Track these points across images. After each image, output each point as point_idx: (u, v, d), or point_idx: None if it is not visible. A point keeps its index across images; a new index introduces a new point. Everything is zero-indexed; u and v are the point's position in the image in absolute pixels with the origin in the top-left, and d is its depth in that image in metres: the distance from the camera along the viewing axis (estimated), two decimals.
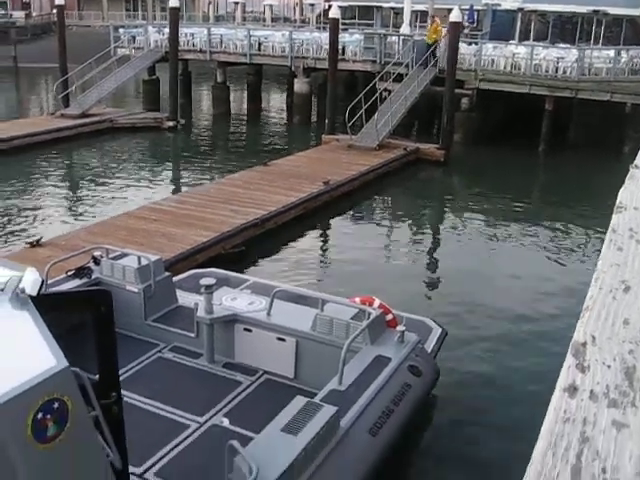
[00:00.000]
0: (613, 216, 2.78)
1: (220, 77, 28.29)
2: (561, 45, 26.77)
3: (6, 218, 14.72)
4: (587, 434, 1.43)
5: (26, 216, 14.96)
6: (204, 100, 32.88)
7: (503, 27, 31.25)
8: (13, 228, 14.09)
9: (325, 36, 24.92)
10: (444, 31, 22.92)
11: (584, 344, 1.69)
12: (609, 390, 1.54)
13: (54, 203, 16.16)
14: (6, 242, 13.17)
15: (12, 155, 19.88)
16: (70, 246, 11.10)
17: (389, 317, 7.36)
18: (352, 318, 6.94)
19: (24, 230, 13.92)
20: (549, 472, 1.36)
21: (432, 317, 8.47)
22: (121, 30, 30.00)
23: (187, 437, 6.08)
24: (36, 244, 11.51)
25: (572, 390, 1.53)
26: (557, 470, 1.37)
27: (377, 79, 23.06)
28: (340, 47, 23.79)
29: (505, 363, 9.14)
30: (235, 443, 4.63)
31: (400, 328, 7.05)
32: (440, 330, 8.06)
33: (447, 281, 12.17)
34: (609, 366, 1.61)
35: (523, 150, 22.22)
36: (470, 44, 24.70)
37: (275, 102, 33.54)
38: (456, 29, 20.37)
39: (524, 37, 31.41)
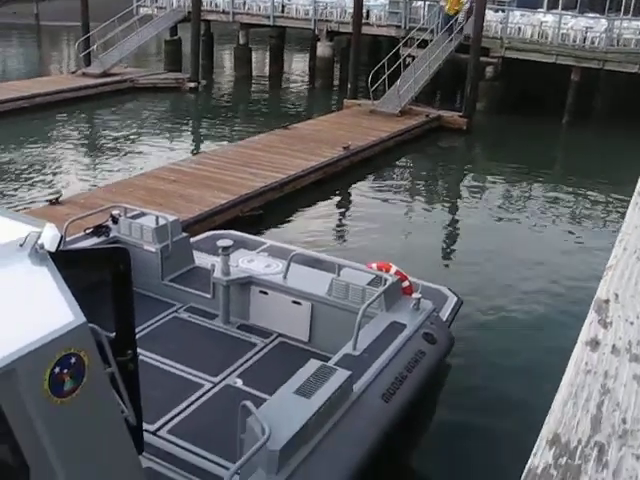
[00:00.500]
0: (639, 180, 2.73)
1: (242, 39, 28.04)
2: (590, 15, 26.22)
3: (26, 175, 14.78)
4: (608, 386, 1.41)
5: (46, 174, 15.03)
6: (226, 62, 32.67)
7: None
8: (33, 185, 14.17)
9: None
10: None
11: (607, 301, 1.65)
12: (631, 345, 1.51)
13: (74, 161, 16.20)
14: (26, 199, 13.25)
15: (33, 113, 19.93)
16: (89, 204, 11.16)
17: (405, 284, 7.32)
18: (368, 284, 6.92)
19: (44, 187, 13.99)
20: (569, 421, 1.35)
21: (448, 285, 8.43)
22: None
23: (201, 396, 6.12)
24: (55, 202, 11.57)
25: (594, 344, 1.50)
26: (577, 419, 1.36)
27: (401, 44, 22.78)
28: (364, 11, 23.46)
29: (521, 332, 9.11)
30: (248, 403, 4.64)
31: (416, 295, 7.01)
32: (456, 299, 8.02)
33: (465, 249, 12.11)
34: (632, 323, 1.58)
35: (547, 121, 21.90)
36: (497, 11, 24.28)
37: (297, 65, 33.23)
38: None
39: (552, 5, 30.66)
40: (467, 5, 22.57)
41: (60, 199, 11.71)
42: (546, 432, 1.39)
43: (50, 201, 11.64)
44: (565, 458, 1.38)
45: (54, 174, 15.07)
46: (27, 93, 20.69)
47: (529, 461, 1.58)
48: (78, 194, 12.48)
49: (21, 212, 11.57)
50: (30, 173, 14.95)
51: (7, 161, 15.69)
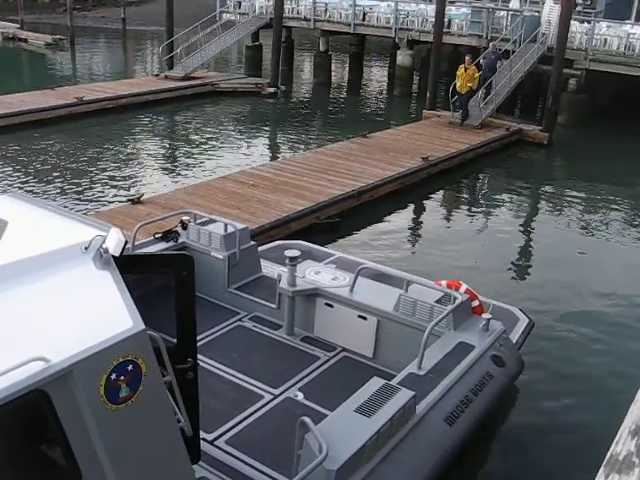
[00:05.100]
0: None
1: (323, 46, 28.13)
2: None
3: (111, 174, 15.23)
4: None
5: (129, 173, 15.46)
6: (305, 68, 32.86)
7: (619, 6, 29.63)
8: (117, 184, 14.56)
9: (431, 8, 24.37)
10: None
11: None
12: None
13: (155, 162, 16.60)
14: (109, 197, 13.63)
15: (118, 113, 20.56)
16: (169, 205, 11.42)
17: (475, 303, 7.16)
18: (437, 301, 6.78)
19: (127, 186, 14.36)
20: None
21: (520, 306, 8.20)
22: None
23: (260, 408, 6.08)
24: (137, 201, 11.83)
25: None
26: None
27: (483, 55, 22.41)
28: (446, 20, 23.18)
29: (593, 359, 8.79)
30: (307, 420, 4.59)
31: (486, 316, 6.83)
32: (527, 321, 7.79)
33: (540, 270, 11.77)
34: None
35: (631, 137, 21.17)
36: (582, 22, 23.66)
37: (376, 74, 33.12)
38: (569, 6, 19.48)
39: None
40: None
41: (142, 199, 11.96)
42: (629, 422, 1.33)
43: (132, 200, 11.89)
44: None
45: (137, 174, 15.46)
46: (112, 94, 21.33)
47: (611, 448, 1.50)
48: (159, 194, 12.73)
49: (103, 210, 11.90)
50: (114, 172, 15.38)
51: (93, 159, 16.17)
